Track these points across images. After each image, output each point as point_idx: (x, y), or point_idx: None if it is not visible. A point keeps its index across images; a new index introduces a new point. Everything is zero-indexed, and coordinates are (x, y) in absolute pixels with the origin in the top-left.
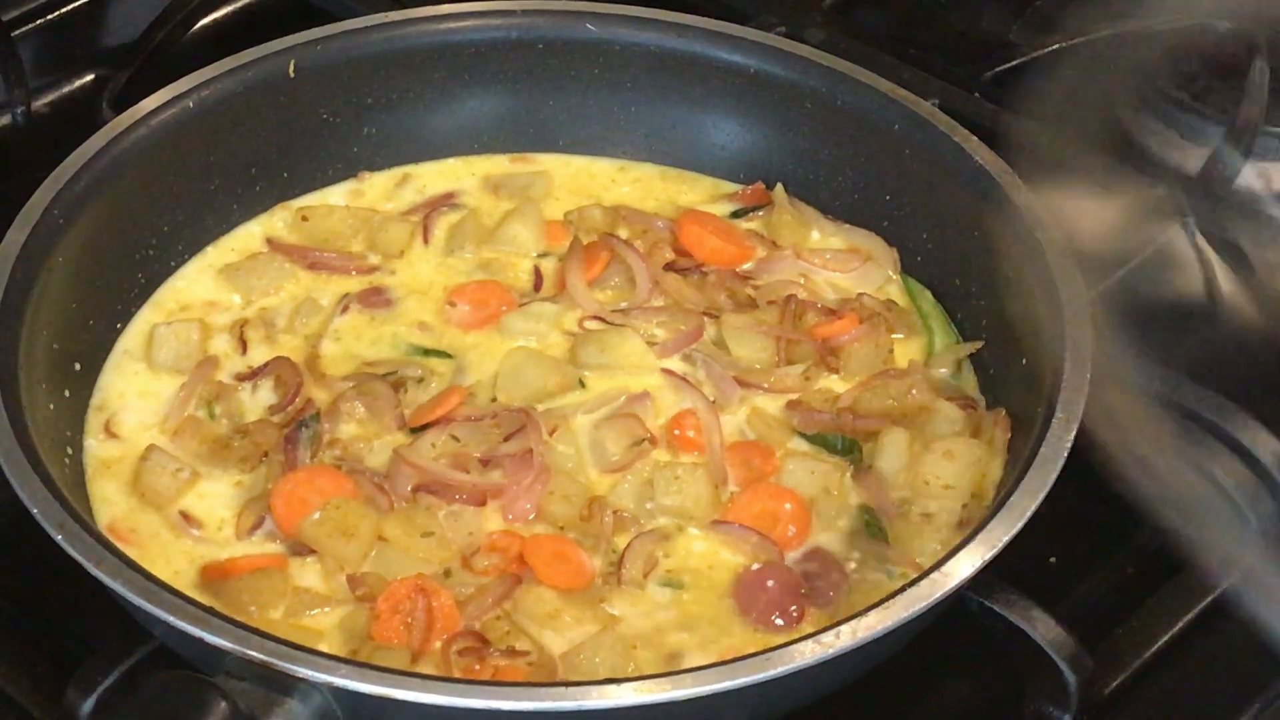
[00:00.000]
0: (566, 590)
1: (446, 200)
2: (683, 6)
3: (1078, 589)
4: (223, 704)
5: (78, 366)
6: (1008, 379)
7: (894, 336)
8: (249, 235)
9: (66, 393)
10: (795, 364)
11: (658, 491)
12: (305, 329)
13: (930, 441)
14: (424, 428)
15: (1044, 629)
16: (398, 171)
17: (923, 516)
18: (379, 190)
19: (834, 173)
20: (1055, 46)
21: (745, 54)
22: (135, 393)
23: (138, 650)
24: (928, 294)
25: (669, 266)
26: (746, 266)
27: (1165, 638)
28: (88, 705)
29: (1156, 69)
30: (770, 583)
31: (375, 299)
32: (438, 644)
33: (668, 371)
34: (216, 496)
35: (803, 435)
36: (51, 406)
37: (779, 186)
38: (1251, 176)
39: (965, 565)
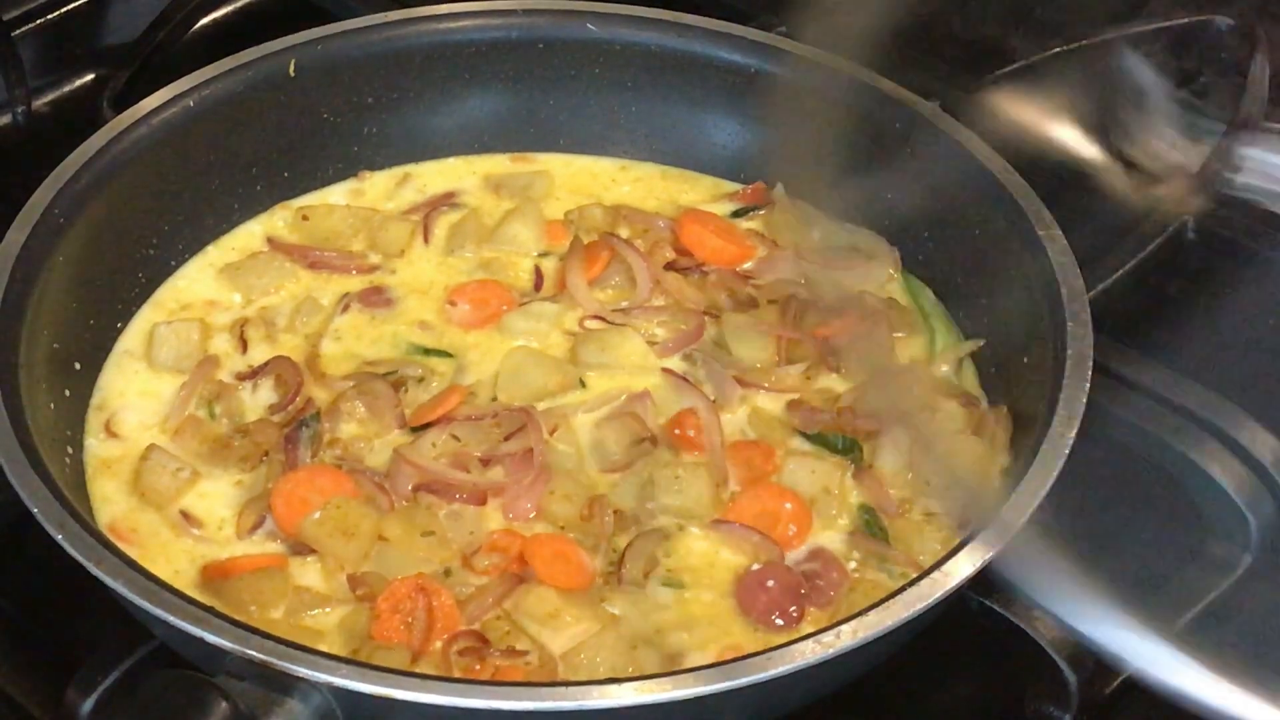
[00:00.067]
0: (567, 590)
1: (447, 199)
2: (683, 6)
3: (1078, 587)
4: (223, 704)
5: (78, 366)
6: (1009, 377)
7: (895, 335)
8: (249, 234)
9: (67, 392)
10: (796, 363)
11: (658, 491)
12: (306, 328)
13: (931, 440)
14: (424, 427)
15: (1044, 628)
16: (398, 171)
17: (924, 516)
18: (379, 189)
19: (835, 172)
20: (1056, 50)
21: (745, 54)
22: (136, 392)
23: (138, 650)
24: (929, 292)
25: (670, 266)
26: (747, 266)
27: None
28: (88, 705)
29: (1157, 68)
30: (771, 582)
31: (376, 298)
32: (438, 644)
33: (668, 371)
34: (217, 496)
35: (803, 434)
36: (52, 406)
37: (779, 186)
38: (1252, 174)
39: (966, 565)
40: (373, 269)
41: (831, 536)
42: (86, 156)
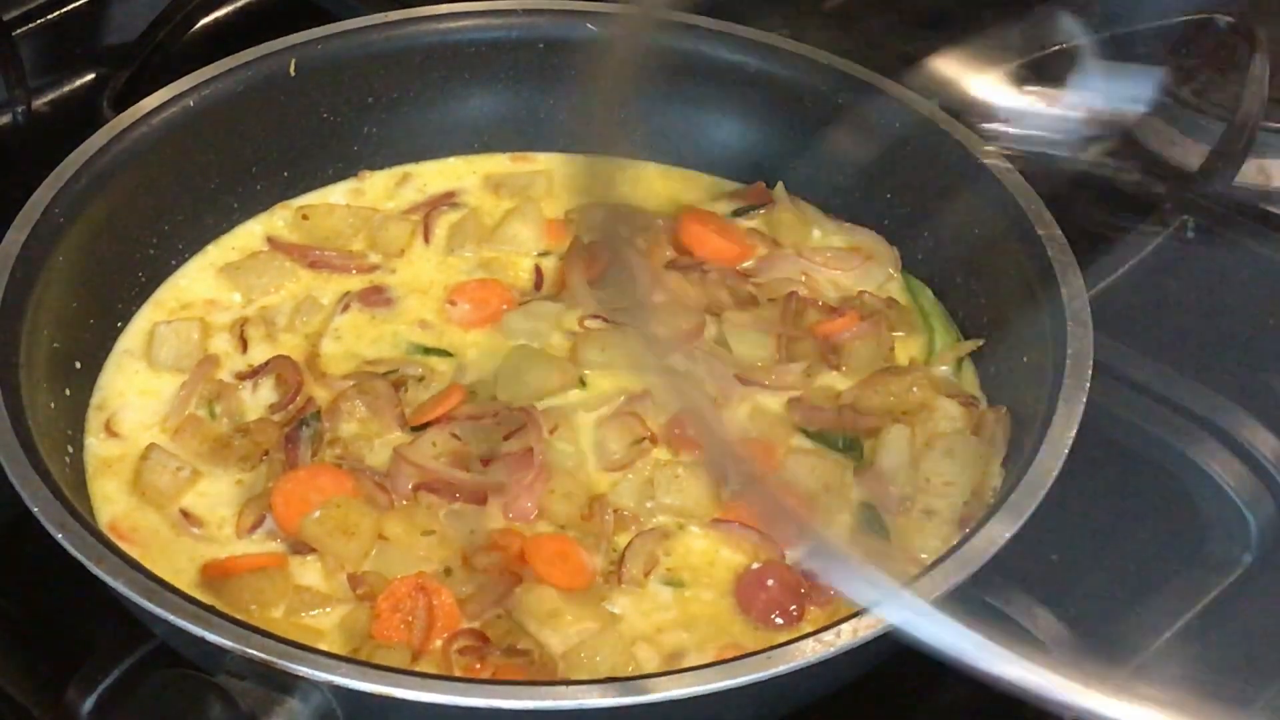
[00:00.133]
0: (567, 589)
1: (447, 199)
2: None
3: (1079, 587)
4: (223, 703)
5: (78, 365)
6: (1009, 377)
7: (895, 334)
8: (249, 234)
9: (67, 392)
10: (796, 361)
11: (658, 490)
12: (306, 328)
13: (931, 439)
14: (425, 426)
15: (1045, 627)
16: (398, 170)
17: (924, 514)
18: (379, 189)
19: (835, 171)
20: (1055, 48)
21: (745, 54)
22: (136, 391)
23: (138, 649)
24: (928, 292)
25: (670, 265)
26: (747, 264)
27: (1166, 636)
28: (88, 704)
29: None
30: (771, 581)
31: (376, 298)
32: (438, 643)
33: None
34: (217, 495)
35: (804, 432)
36: (52, 405)
37: (780, 185)
38: (1252, 173)
39: (966, 563)
40: (373, 268)
41: (832, 534)
42: (86, 156)
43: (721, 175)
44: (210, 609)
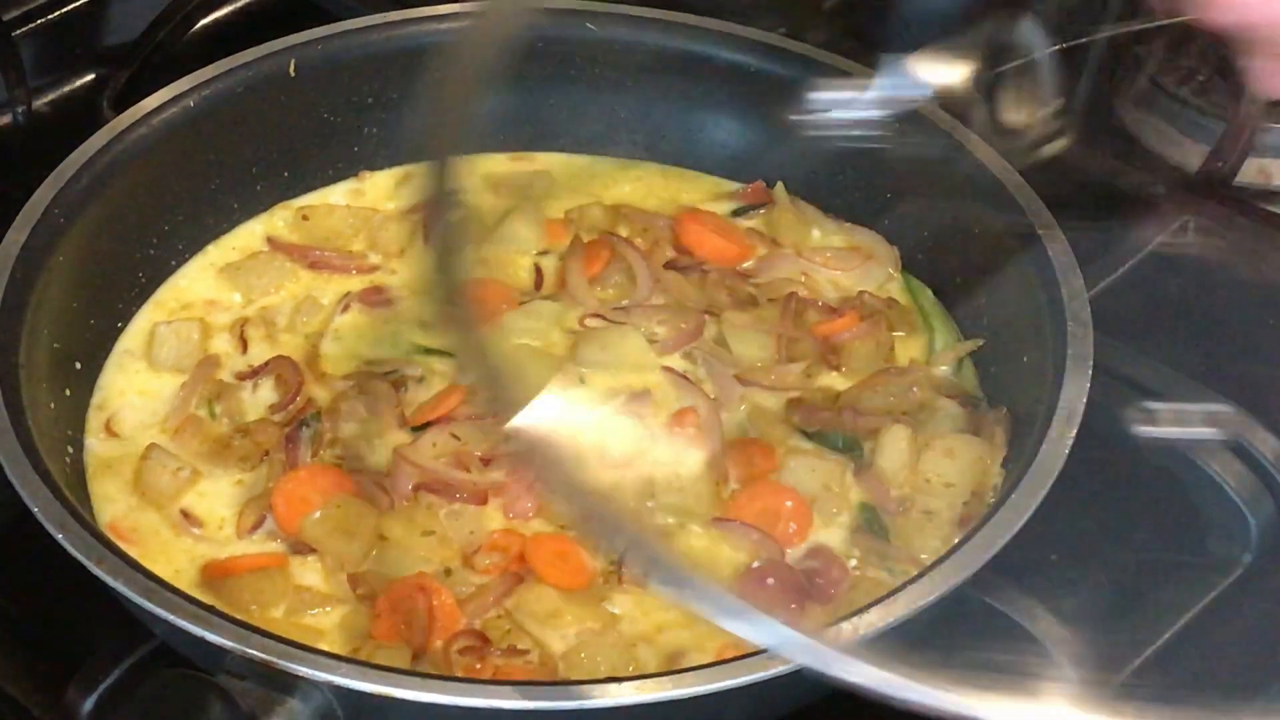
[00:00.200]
0: (567, 589)
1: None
2: (683, 6)
3: (1079, 587)
4: (223, 703)
5: (78, 365)
6: (1009, 377)
7: (895, 334)
8: (250, 234)
9: (67, 392)
10: (796, 361)
11: (659, 489)
12: (306, 328)
13: (931, 439)
14: (425, 426)
15: (1046, 627)
16: (398, 170)
17: (924, 514)
18: (380, 189)
19: (834, 171)
20: (1055, 48)
21: (745, 54)
22: (136, 391)
23: (138, 650)
24: (928, 292)
25: (670, 265)
26: (747, 264)
27: (1166, 636)
28: (88, 704)
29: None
30: (770, 580)
31: (376, 298)
32: (439, 643)
33: (668, 369)
34: (217, 495)
35: (804, 433)
36: (52, 405)
37: (780, 185)
38: (1252, 173)
39: (966, 563)
40: (373, 269)
41: (832, 534)
42: (86, 156)
43: (721, 175)
44: (210, 609)
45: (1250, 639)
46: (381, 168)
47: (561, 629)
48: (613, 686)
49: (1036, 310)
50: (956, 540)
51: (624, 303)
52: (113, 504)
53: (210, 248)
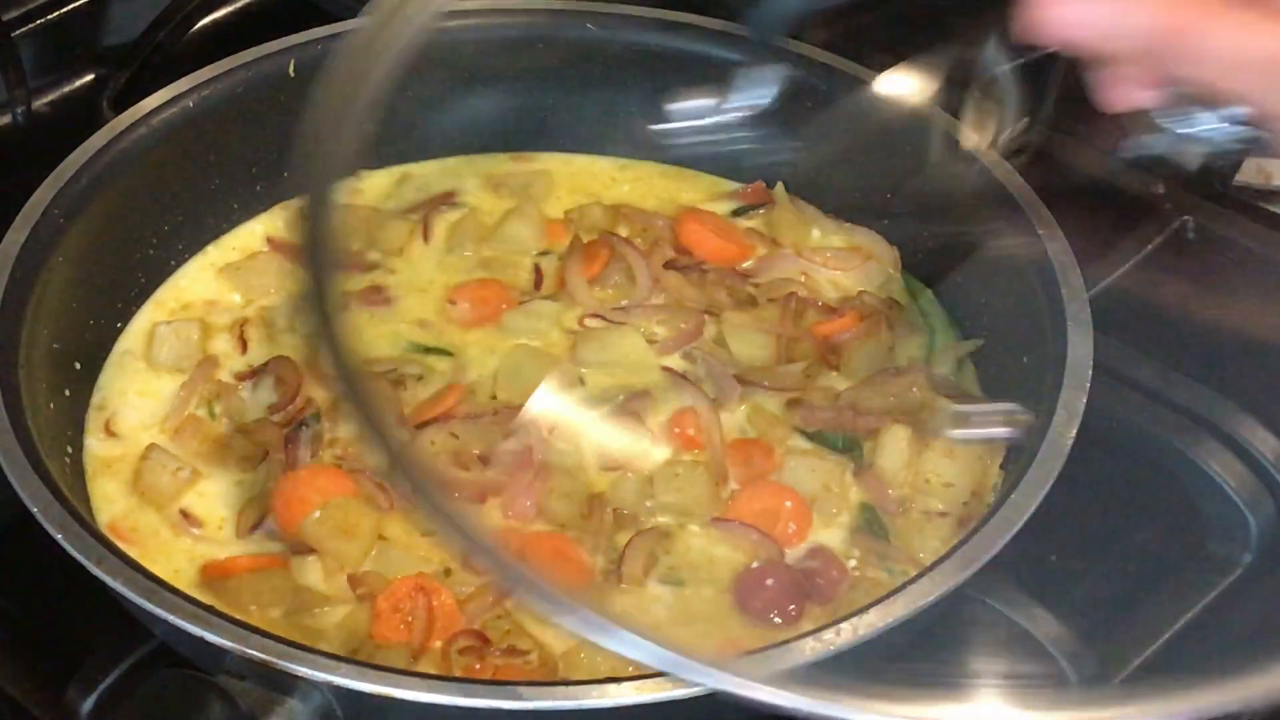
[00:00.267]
0: (567, 588)
1: (447, 199)
2: (683, 6)
3: (1079, 587)
4: (223, 703)
5: (78, 365)
6: (1008, 377)
7: (895, 334)
8: (250, 234)
9: (67, 392)
10: (796, 362)
11: (658, 489)
12: (305, 328)
13: (931, 439)
14: (424, 425)
15: (1045, 627)
16: (398, 170)
17: (923, 514)
18: (379, 189)
19: (834, 171)
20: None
21: (745, 54)
22: (135, 392)
23: (138, 650)
24: (928, 292)
25: (669, 264)
26: (747, 264)
27: (1166, 635)
28: (88, 704)
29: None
30: (770, 580)
31: (375, 297)
32: (438, 643)
33: (668, 369)
34: (217, 495)
35: (803, 433)
36: (52, 406)
37: (779, 185)
38: (1251, 172)
39: (966, 563)
40: (372, 268)
41: (831, 534)
42: (86, 156)
43: (721, 175)
44: (210, 609)
45: (1250, 639)
46: (381, 167)
47: (561, 628)
48: (612, 686)
49: (1036, 310)
50: (956, 540)
51: (623, 303)
52: (112, 504)
53: (210, 248)
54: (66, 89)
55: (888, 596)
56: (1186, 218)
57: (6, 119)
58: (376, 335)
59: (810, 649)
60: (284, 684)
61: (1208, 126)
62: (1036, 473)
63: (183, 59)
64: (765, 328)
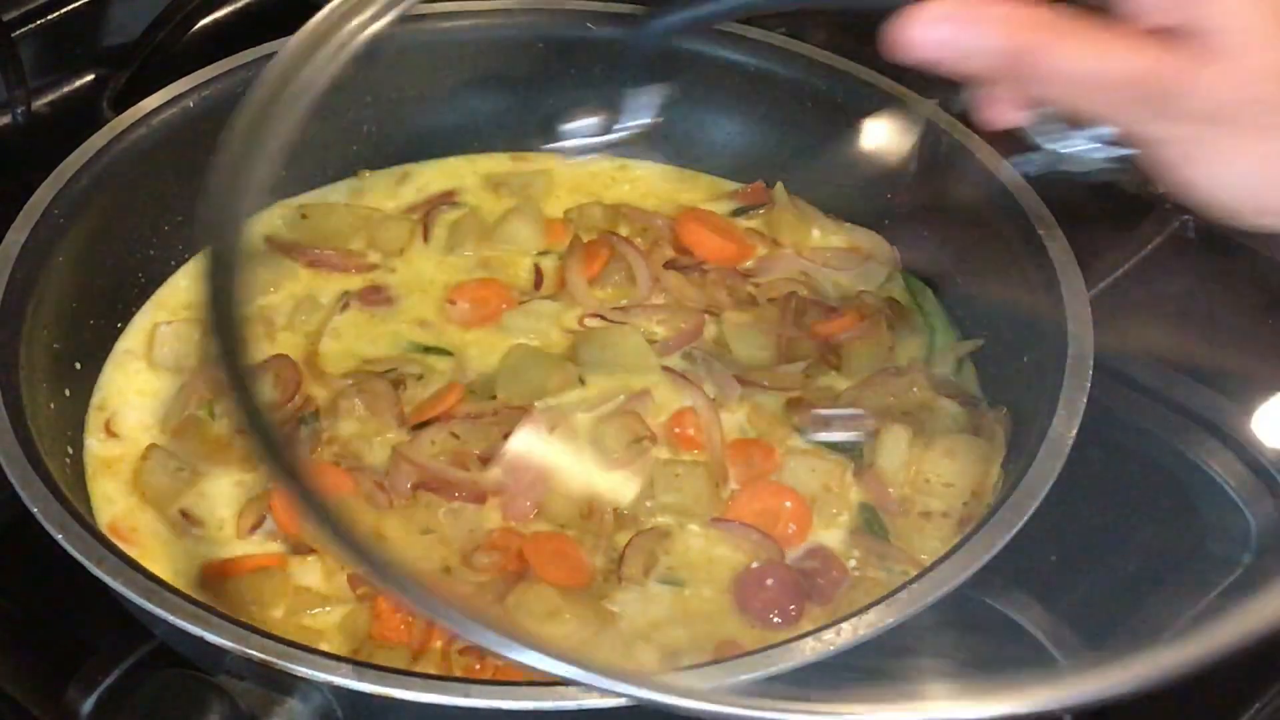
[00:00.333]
0: (566, 588)
1: (447, 198)
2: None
3: (1079, 587)
4: (223, 703)
5: (78, 366)
6: (1009, 377)
7: (895, 334)
8: (249, 233)
9: (67, 392)
10: (796, 361)
11: (658, 489)
12: (305, 327)
13: (931, 439)
14: (424, 425)
15: (1045, 627)
16: (398, 170)
17: (923, 514)
18: (379, 188)
19: (834, 171)
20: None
21: (745, 53)
22: (136, 392)
23: (138, 650)
24: (928, 292)
25: (669, 264)
26: (747, 264)
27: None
28: (88, 704)
29: None
30: (769, 581)
31: (375, 297)
32: (438, 643)
33: (668, 369)
34: (217, 496)
35: (803, 433)
36: (52, 406)
37: (780, 185)
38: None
39: (966, 563)
40: (372, 267)
41: (831, 535)
42: (86, 156)
43: (721, 175)
44: (210, 609)
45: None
46: (381, 166)
47: (561, 627)
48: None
49: (1036, 310)
50: (956, 540)
51: (624, 303)
52: (112, 504)
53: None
54: (66, 89)
55: (888, 596)
56: (1186, 218)
57: (6, 119)
58: (376, 335)
59: (810, 649)
60: (284, 684)
61: (1081, 146)
62: (1036, 473)
63: (183, 59)
64: (765, 327)
